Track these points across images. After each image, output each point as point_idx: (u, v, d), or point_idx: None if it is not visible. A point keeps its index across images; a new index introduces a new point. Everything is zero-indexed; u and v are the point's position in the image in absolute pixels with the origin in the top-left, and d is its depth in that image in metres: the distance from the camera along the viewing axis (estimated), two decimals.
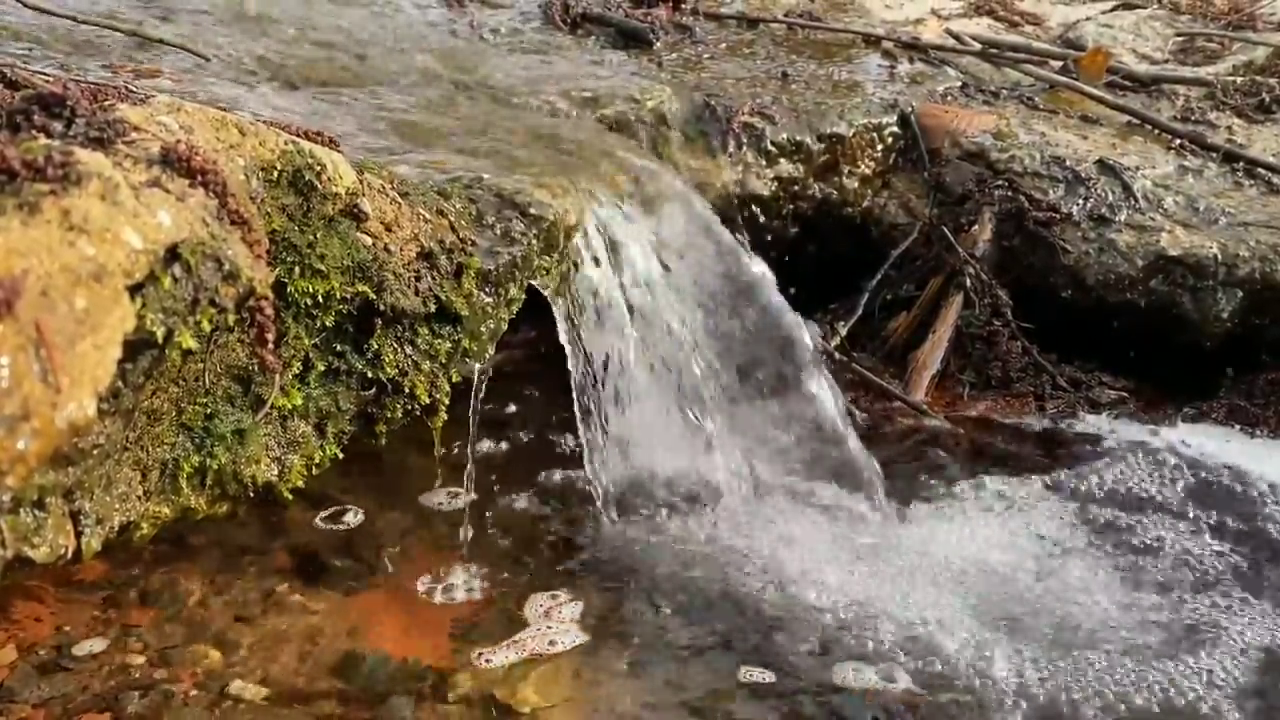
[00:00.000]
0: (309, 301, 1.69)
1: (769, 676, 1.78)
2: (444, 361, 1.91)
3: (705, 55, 3.43)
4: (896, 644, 1.85)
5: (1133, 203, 2.91)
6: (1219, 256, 2.78)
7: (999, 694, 1.75)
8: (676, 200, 2.34)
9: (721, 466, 2.22)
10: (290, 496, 1.78)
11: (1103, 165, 2.98)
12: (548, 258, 2.06)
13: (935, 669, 1.80)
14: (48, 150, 1.17)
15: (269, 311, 1.47)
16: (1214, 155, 3.17)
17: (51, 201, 1.12)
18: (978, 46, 3.75)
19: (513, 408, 2.54)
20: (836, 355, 2.80)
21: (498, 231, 2.00)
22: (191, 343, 1.32)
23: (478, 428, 2.02)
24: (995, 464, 2.49)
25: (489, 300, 1.96)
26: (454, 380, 1.93)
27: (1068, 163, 2.99)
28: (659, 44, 3.44)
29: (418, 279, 1.83)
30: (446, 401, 1.93)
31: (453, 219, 1.92)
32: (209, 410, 1.62)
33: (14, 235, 1.07)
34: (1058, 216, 2.91)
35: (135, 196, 1.22)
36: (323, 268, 1.68)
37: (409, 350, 1.87)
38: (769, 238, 2.93)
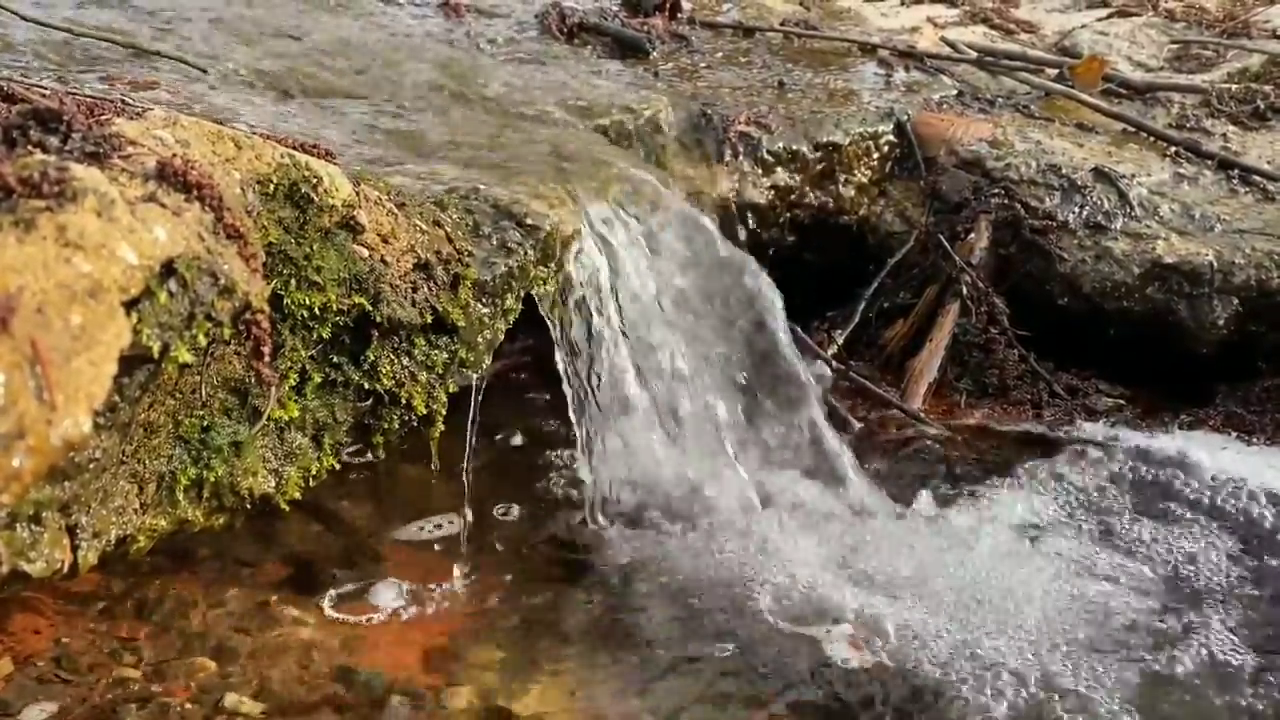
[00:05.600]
0: (305, 313, 1.70)
1: (770, 686, 1.78)
2: (441, 372, 1.91)
3: (702, 64, 3.44)
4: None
5: (1128, 210, 2.92)
6: (1215, 264, 2.78)
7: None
8: (672, 210, 2.34)
9: (716, 478, 2.22)
10: (287, 508, 1.79)
11: (1098, 173, 2.98)
12: (544, 268, 2.06)
13: None
14: (43, 166, 1.18)
15: (265, 324, 1.47)
16: (1209, 163, 3.17)
17: (47, 218, 1.13)
18: (973, 55, 3.76)
19: (510, 416, 2.54)
20: (833, 363, 2.80)
21: (494, 242, 2.01)
22: (188, 357, 1.32)
23: (475, 437, 2.03)
24: (992, 471, 2.49)
25: (486, 311, 1.97)
26: (451, 390, 1.94)
27: (1064, 170, 2.99)
28: (656, 53, 3.45)
29: (414, 290, 1.84)
30: (443, 412, 1.93)
31: (449, 230, 1.93)
32: (206, 422, 1.63)
33: (9, 252, 1.07)
34: (1054, 224, 2.91)
35: (131, 212, 1.22)
36: (319, 280, 1.69)
37: (406, 361, 1.87)
38: (766, 246, 2.94)
